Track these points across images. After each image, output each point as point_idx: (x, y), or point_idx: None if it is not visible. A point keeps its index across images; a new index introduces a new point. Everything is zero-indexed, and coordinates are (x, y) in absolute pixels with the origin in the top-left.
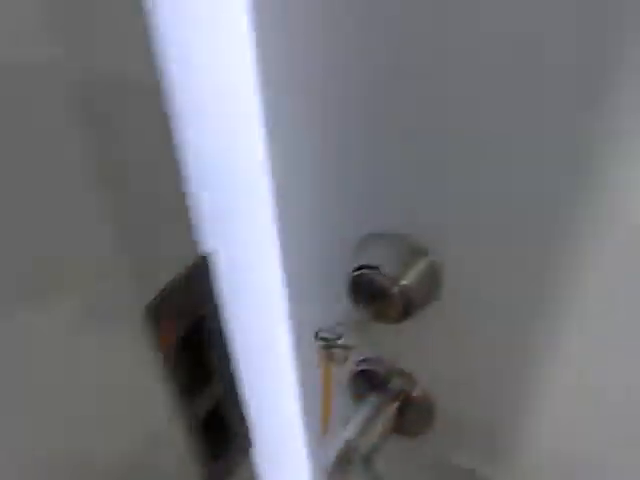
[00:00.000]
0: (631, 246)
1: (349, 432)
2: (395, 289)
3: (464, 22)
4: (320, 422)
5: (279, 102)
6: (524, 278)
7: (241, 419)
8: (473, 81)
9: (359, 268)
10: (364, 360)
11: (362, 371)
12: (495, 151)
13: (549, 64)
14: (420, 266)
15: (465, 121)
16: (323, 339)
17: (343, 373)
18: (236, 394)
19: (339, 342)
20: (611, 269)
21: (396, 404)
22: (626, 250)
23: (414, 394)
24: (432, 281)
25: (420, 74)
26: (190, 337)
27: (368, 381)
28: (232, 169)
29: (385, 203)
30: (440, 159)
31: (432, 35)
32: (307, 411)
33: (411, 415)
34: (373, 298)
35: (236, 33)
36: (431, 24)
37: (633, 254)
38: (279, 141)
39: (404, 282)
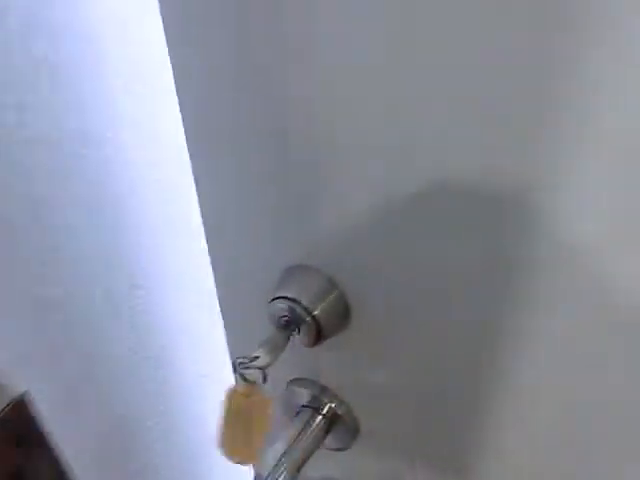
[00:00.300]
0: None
1: (278, 447)
2: (308, 318)
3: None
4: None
5: (202, 153)
6: (427, 310)
7: None
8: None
9: (278, 297)
10: (294, 380)
11: (292, 391)
12: (409, 195)
13: None
14: (331, 298)
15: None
16: (240, 363)
17: (274, 392)
18: None
19: (254, 363)
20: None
21: (323, 421)
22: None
23: (340, 412)
24: (342, 311)
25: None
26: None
27: (298, 400)
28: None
29: (303, 241)
30: (354, 204)
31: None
32: None
33: (338, 431)
34: (289, 325)
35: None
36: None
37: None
38: (206, 190)
39: (316, 312)
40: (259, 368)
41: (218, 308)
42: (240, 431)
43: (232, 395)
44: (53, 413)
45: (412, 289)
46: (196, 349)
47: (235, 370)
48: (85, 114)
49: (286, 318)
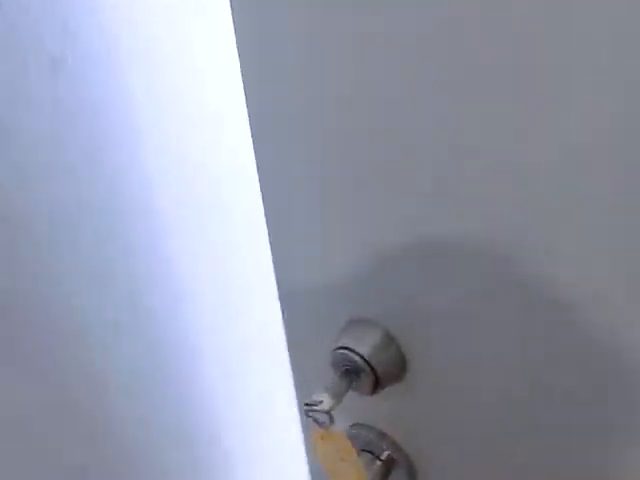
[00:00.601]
0: None
1: None
2: (367, 368)
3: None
4: None
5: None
6: (482, 364)
7: None
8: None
9: (340, 347)
10: (355, 425)
11: (352, 435)
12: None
13: None
14: (388, 350)
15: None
16: (307, 405)
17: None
18: None
19: (319, 407)
20: None
21: (382, 466)
22: None
23: (397, 458)
24: (398, 363)
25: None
26: None
27: (358, 444)
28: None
29: (366, 297)
30: (408, 265)
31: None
32: None
33: (396, 477)
34: (349, 373)
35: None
36: None
37: None
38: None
39: (374, 363)
40: (324, 411)
41: None
42: (343, 469)
43: (317, 439)
44: None
45: (466, 344)
46: None
47: (306, 414)
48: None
49: (347, 367)
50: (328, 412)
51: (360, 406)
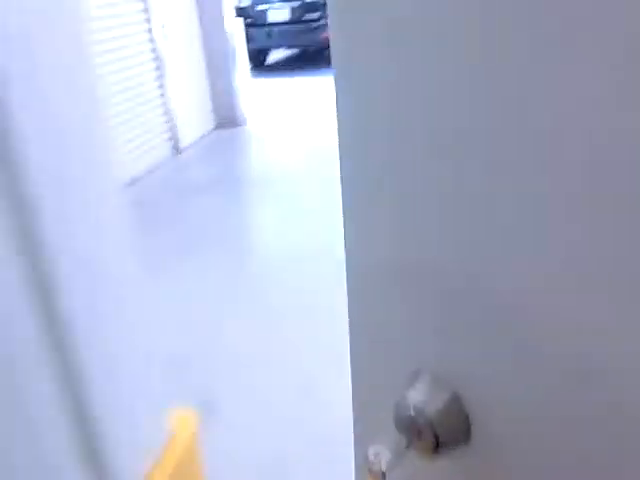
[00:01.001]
0: None
1: None
2: (428, 430)
3: None
4: None
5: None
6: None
7: None
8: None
9: (404, 402)
10: None
11: None
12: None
13: None
14: (454, 414)
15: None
16: (368, 459)
17: None
18: None
19: (378, 468)
20: None
21: None
22: None
23: None
24: (462, 428)
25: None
26: None
27: None
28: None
29: (436, 352)
30: (488, 325)
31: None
32: None
33: None
34: (409, 431)
35: None
36: None
37: None
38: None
39: (436, 425)
40: (382, 471)
41: None
42: None
43: None
44: None
45: (541, 422)
46: None
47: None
48: None
49: (407, 424)
50: (384, 473)
51: (421, 467)
